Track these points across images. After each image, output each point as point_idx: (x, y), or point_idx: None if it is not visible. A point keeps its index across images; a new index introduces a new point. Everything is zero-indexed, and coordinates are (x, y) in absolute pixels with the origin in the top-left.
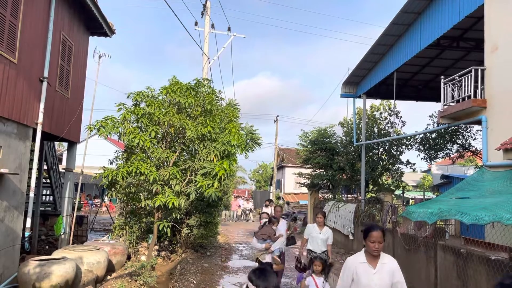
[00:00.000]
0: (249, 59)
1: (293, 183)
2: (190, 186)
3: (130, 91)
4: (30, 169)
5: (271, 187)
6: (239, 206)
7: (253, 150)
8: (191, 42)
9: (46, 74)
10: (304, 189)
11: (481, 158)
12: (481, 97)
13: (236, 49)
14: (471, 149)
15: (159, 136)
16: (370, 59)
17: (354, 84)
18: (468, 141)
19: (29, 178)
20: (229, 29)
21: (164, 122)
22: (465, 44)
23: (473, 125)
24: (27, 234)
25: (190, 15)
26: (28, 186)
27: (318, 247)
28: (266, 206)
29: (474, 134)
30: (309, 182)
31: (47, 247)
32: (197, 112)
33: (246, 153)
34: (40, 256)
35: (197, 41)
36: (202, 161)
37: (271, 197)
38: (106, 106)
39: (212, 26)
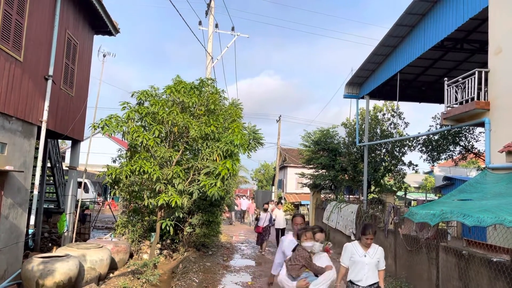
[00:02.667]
0: (252, 58)
1: (295, 183)
2: (193, 185)
3: (133, 90)
4: (34, 166)
5: (273, 187)
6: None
7: (256, 150)
8: (194, 41)
9: (51, 72)
10: (306, 189)
11: (484, 160)
12: (484, 99)
13: (239, 48)
14: (473, 151)
15: (162, 135)
16: (373, 60)
17: (357, 85)
18: (471, 143)
19: (33, 175)
20: (233, 29)
21: (167, 121)
22: (469, 46)
23: (476, 127)
24: (30, 231)
25: (194, 14)
26: (32, 183)
27: (363, 278)
28: (265, 210)
29: (477, 136)
30: (311, 182)
31: (50, 244)
32: (200, 112)
33: (248, 153)
34: (44, 253)
35: (201, 41)
36: (205, 160)
37: (273, 197)
38: (110, 104)
39: (216, 25)
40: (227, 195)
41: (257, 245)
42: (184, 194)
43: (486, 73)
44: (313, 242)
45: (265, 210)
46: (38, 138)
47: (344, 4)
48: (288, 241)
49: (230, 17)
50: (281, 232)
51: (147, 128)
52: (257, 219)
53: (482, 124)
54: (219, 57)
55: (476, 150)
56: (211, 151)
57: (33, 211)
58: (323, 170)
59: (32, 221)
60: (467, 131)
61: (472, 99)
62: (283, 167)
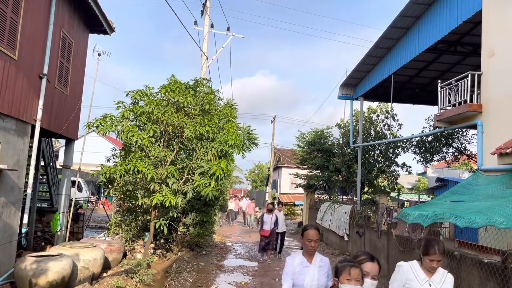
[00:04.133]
0: (247, 58)
1: (289, 183)
2: (187, 185)
3: (127, 89)
4: (28, 165)
5: (267, 187)
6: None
7: (250, 150)
8: (189, 40)
9: (45, 71)
10: (300, 190)
11: (476, 161)
12: (477, 101)
13: (234, 49)
14: (466, 153)
15: (157, 134)
16: (368, 61)
17: (352, 86)
18: (463, 145)
19: (27, 174)
20: (228, 29)
21: (162, 121)
22: (462, 49)
23: (468, 129)
24: (24, 230)
25: (189, 13)
26: (26, 182)
27: None
28: (270, 211)
29: (469, 138)
30: (305, 183)
31: (43, 243)
32: (195, 112)
33: (243, 153)
34: (37, 253)
35: (196, 41)
36: (199, 160)
37: (267, 197)
38: (104, 103)
39: (212, 26)
40: (222, 195)
41: (259, 251)
42: (178, 193)
43: (479, 76)
44: (359, 284)
45: (270, 211)
46: (32, 136)
47: (339, 5)
48: (298, 263)
49: (225, 17)
50: (280, 236)
51: (141, 127)
52: (260, 221)
53: (474, 126)
54: (214, 57)
55: (469, 152)
56: (206, 151)
57: (27, 210)
58: (317, 171)
59: (25, 220)
60: (460, 133)
61: (465, 101)
62: (277, 168)
